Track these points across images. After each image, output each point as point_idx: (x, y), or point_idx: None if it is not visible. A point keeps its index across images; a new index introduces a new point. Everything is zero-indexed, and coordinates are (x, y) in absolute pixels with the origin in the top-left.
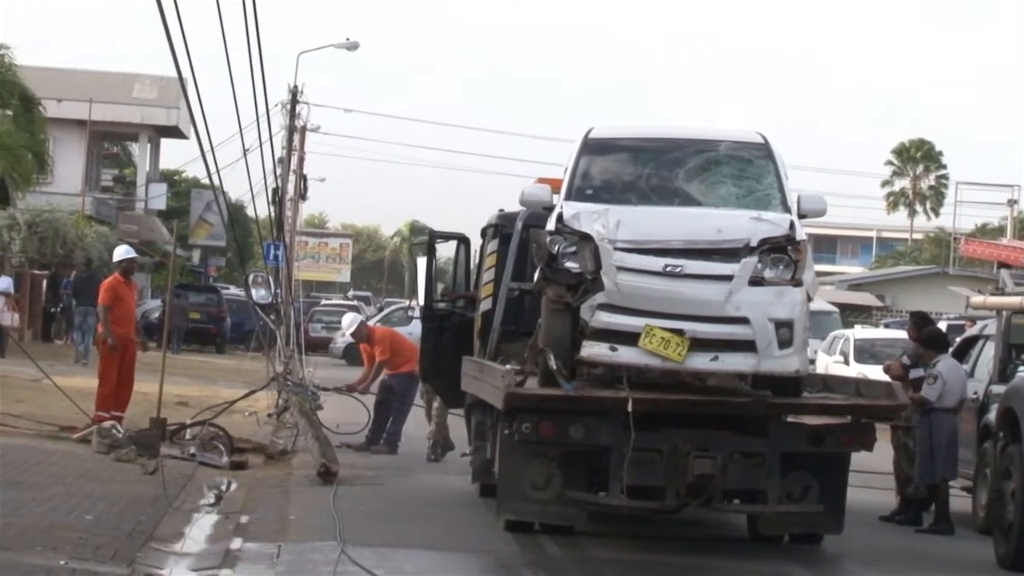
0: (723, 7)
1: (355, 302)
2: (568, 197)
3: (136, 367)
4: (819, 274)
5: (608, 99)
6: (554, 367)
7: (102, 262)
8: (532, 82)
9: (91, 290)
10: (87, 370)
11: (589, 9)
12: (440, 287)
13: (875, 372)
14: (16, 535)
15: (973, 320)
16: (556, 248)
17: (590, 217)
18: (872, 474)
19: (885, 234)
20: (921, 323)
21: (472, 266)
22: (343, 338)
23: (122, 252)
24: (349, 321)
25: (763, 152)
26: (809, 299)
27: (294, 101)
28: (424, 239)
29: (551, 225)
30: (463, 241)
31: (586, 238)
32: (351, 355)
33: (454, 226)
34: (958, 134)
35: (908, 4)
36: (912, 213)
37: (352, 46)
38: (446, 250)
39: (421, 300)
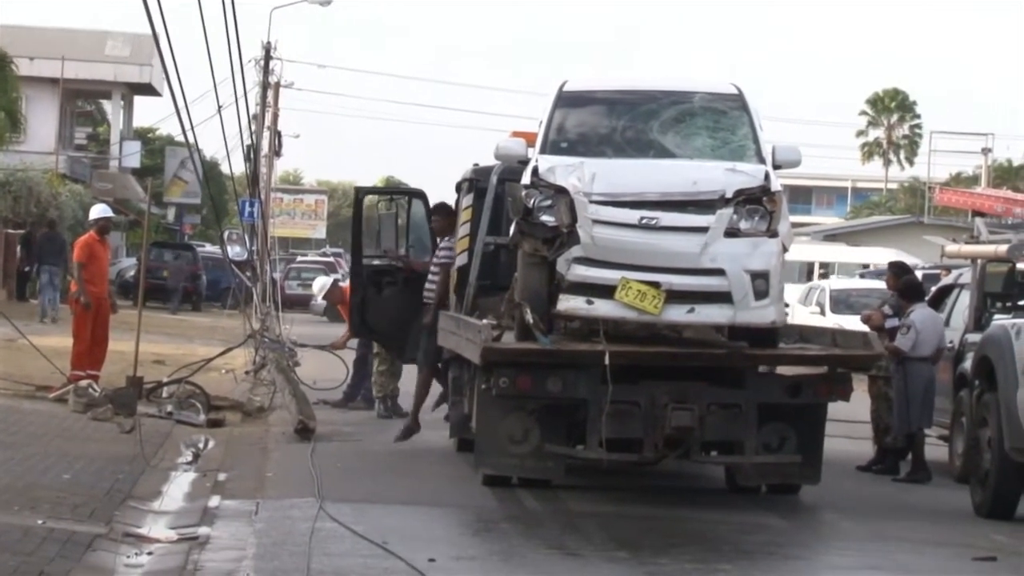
0: None
1: (331, 258)
2: (543, 151)
3: (112, 325)
4: (794, 225)
5: (584, 54)
6: (531, 321)
7: (76, 221)
8: (506, 38)
9: (55, 250)
10: (62, 329)
11: None
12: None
13: (851, 322)
14: None
15: (948, 269)
16: (531, 202)
17: (565, 170)
18: (849, 424)
19: (860, 184)
20: (900, 272)
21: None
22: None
23: (98, 211)
24: (320, 285)
25: (737, 103)
26: (785, 250)
27: (268, 57)
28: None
29: (526, 179)
30: (419, 196)
31: (561, 191)
32: (333, 312)
33: (430, 181)
34: (932, 83)
35: None
36: (887, 163)
37: (325, 2)
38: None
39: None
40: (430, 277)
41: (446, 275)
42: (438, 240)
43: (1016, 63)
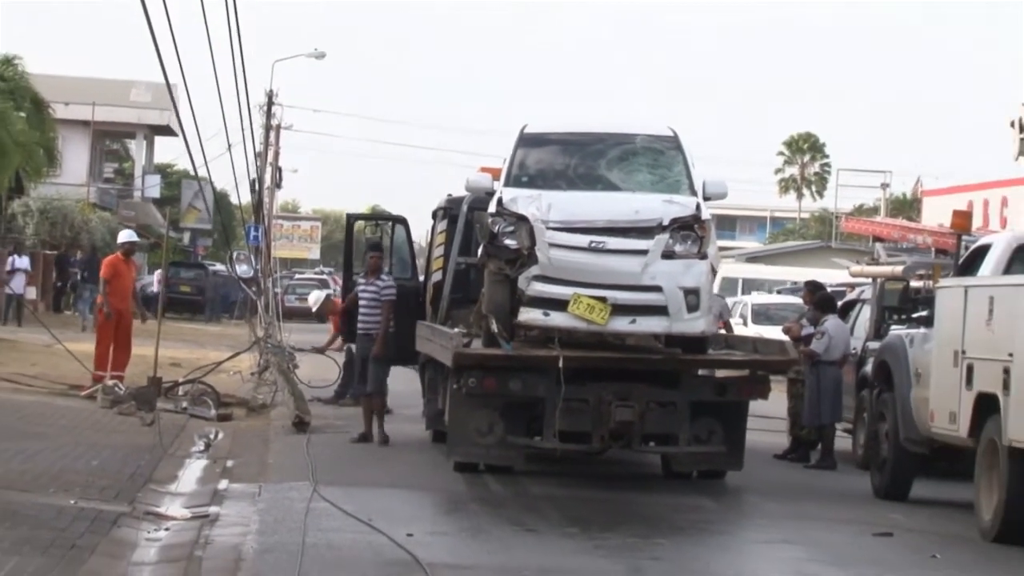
0: (630, 19)
1: (324, 276)
2: (507, 184)
3: (135, 333)
4: (721, 248)
5: (544, 101)
6: (496, 330)
7: (105, 243)
8: (474, 85)
9: (94, 269)
10: (91, 336)
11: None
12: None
13: (770, 332)
14: (32, 479)
15: (852, 286)
16: (496, 227)
17: (526, 201)
18: (768, 419)
19: (777, 214)
20: (814, 289)
21: (414, 245)
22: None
23: (125, 236)
24: (315, 298)
25: (673, 144)
26: (713, 270)
27: (270, 103)
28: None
29: (492, 208)
30: (400, 222)
31: (522, 219)
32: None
33: (410, 209)
34: (840, 127)
35: (801, 28)
36: (800, 196)
37: (319, 55)
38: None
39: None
40: (367, 310)
41: (389, 310)
42: (370, 276)
43: (912, 112)
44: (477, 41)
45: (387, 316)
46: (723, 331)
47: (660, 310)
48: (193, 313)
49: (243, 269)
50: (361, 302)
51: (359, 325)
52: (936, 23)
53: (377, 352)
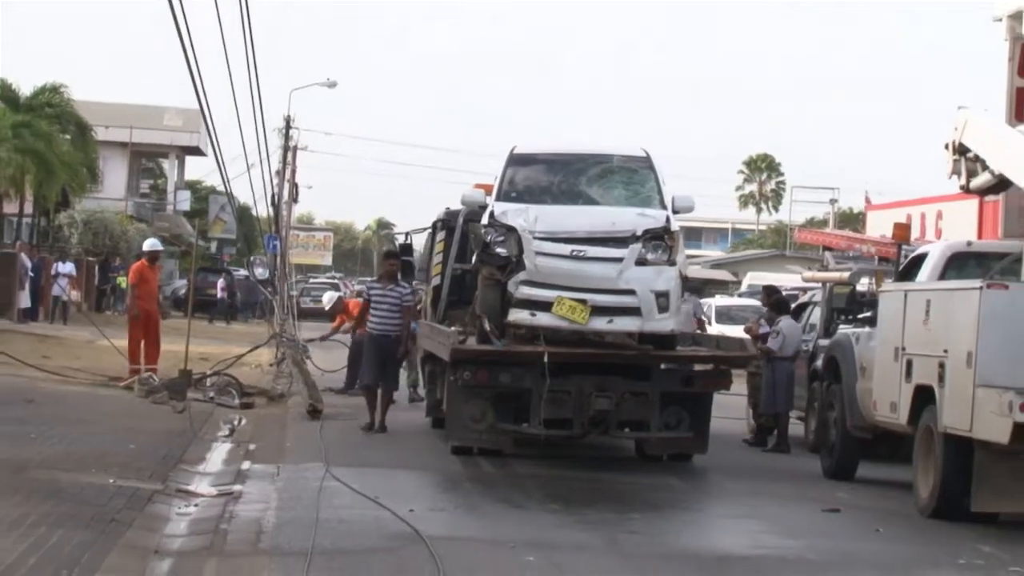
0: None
1: (336, 280)
2: (498, 198)
3: (166, 331)
4: (688, 256)
5: (532, 125)
6: (488, 328)
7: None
8: (469, 108)
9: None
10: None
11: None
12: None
13: (732, 331)
14: (76, 460)
15: (805, 290)
16: (489, 237)
17: (515, 214)
18: (730, 407)
19: (738, 226)
20: (771, 292)
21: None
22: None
23: (149, 244)
24: (328, 298)
25: (646, 163)
26: (682, 276)
27: (288, 127)
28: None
29: (485, 220)
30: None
31: (511, 230)
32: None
33: (412, 222)
34: (794, 148)
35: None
36: (758, 210)
37: (332, 84)
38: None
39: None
40: (385, 313)
41: (411, 315)
42: (385, 281)
43: (859, 134)
44: (473, 70)
45: (408, 320)
46: (698, 328)
47: (634, 311)
48: (220, 313)
49: (260, 272)
50: (381, 305)
51: (373, 325)
52: (880, 60)
53: (402, 352)
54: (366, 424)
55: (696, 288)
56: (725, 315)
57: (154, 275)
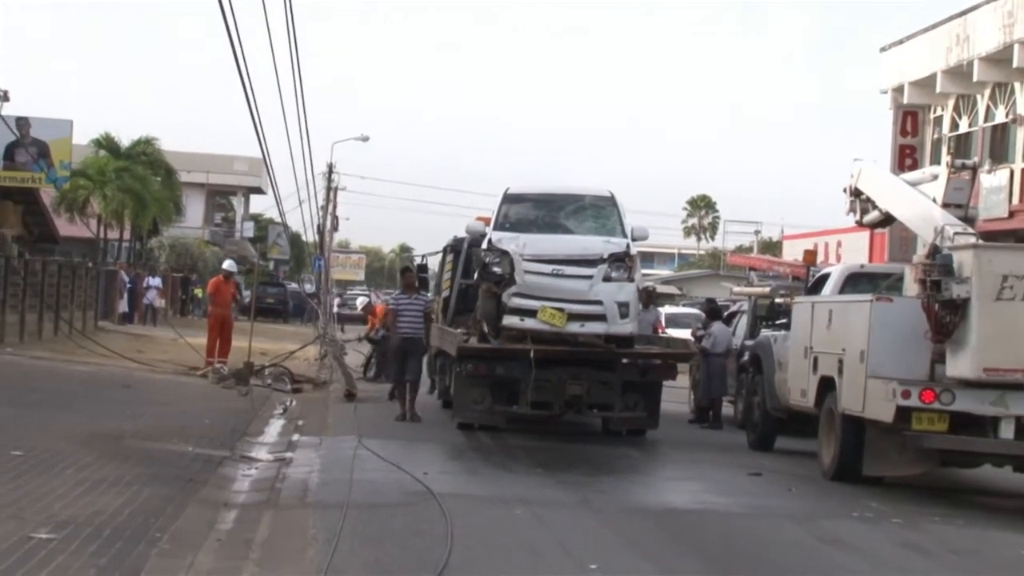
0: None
1: (368, 292)
2: (495, 228)
3: (235, 332)
4: (644, 275)
5: (523, 163)
6: (486, 331)
7: (214, 269)
8: (468, 160)
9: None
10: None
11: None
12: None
13: (679, 334)
14: (162, 433)
15: (734, 302)
16: (488, 259)
17: (508, 240)
18: (677, 393)
19: (683, 251)
20: (709, 303)
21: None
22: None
23: (226, 265)
24: (360, 303)
25: (611, 201)
26: (639, 289)
27: (330, 172)
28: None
29: (485, 245)
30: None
31: (505, 253)
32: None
33: (429, 245)
34: (728, 190)
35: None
36: (699, 239)
37: (364, 139)
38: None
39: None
40: (412, 318)
41: (429, 318)
42: (408, 291)
43: (779, 178)
44: (470, 135)
45: (430, 323)
46: (660, 332)
47: (601, 317)
48: (275, 317)
49: (308, 287)
50: (408, 313)
51: (403, 328)
52: (793, 122)
53: (426, 348)
54: (399, 415)
55: (652, 299)
56: (672, 321)
57: (228, 288)
